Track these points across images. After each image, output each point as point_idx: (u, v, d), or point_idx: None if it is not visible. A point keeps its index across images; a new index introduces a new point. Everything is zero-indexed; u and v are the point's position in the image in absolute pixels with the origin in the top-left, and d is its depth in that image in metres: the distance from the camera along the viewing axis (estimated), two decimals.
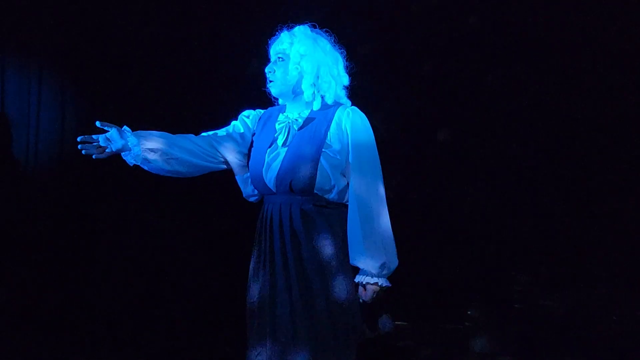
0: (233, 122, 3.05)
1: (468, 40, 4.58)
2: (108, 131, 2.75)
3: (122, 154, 2.82)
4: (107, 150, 2.76)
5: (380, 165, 2.86)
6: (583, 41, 4.45)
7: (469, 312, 4.50)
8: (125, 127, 2.80)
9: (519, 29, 4.52)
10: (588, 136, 4.47)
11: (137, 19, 4.51)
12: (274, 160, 2.87)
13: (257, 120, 3.03)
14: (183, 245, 4.59)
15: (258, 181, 2.90)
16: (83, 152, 2.76)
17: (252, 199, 3.02)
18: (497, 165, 4.58)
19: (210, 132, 2.97)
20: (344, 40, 3.00)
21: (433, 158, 4.63)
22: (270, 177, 2.85)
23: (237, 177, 3.01)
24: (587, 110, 4.45)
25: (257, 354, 2.82)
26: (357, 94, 3.01)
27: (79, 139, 2.74)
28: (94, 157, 2.76)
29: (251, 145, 2.97)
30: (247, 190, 3.00)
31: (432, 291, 4.56)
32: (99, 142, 2.75)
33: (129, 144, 2.77)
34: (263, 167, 2.88)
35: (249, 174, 2.97)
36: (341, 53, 2.98)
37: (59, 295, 4.37)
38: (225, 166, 2.99)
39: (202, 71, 4.55)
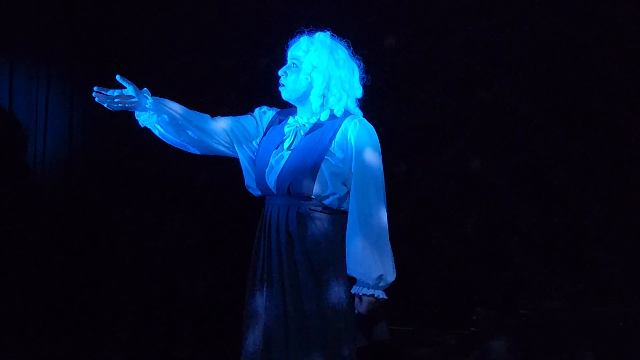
0: (249, 114, 3.07)
1: (471, 50, 4.58)
2: (126, 87, 2.78)
3: (136, 113, 2.87)
4: (119, 104, 2.78)
5: (383, 178, 2.86)
6: (582, 44, 4.46)
7: (474, 318, 4.50)
8: (145, 88, 2.84)
9: (529, 38, 4.53)
10: (602, 139, 4.47)
11: (147, 21, 4.51)
12: (277, 163, 2.89)
13: (271, 118, 3.05)
14: (188, 247, 4.61)
15: (260, 181, 2.92)
16: (96, 99, 2.77)
17: (251, 191, 3.03)
18: (503, 168, 4.58)
19: (226, 117, 3.00)
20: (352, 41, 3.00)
21: (437, 161, 4.63)
22: (271, 179, 2.88)
23: (242, 166, 3.03)
24: (588, 112, 4.46)
25: (252, 354, 2.85)
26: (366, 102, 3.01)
27: (95, 88, 2.74)
28: (105, 105, 2.78)
29: (261, 142, 2.99)
30: (250, 181, 3.01)
31: (436, 296, 4.56)
32: (113, 95, 2.77)
33: (145, 105, 2.81)
34: (267, 167, 2.90)
35: (253, 167, 2.99)
36: (358, 65, 2.97)
37: (63, 298, 4.39)
38: (232, 153, 3.02)
39: (212, 72, 4.54)
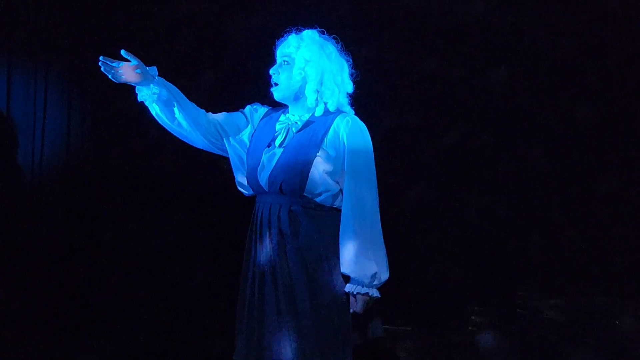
0: (240, 110, 3.08)
1: (471, 41, 4.57)
2: (130, 61, 2.82)
3: (137, 87, 2.90)
4: (122, 76, 2.82)
5: (375, 177, 2.86)
6: (587, 42, 4.45)
7: (473, 318, 4.49)
8: (153, 67, 2.89)
9: (522, 28, 4.52)
10: (592, 141, 4.46)
11: (146, 21, 4.52)
12: (269, 160, 2.89)
13: (262, 115, 3.06)
14: (187, 246, 4.61)
15: (252, 179, 2.92)
16: (102, 68, 2.81)
17: (241, 189, 3.03)
18: (502, 170, 4.57)
19: (218, 115, 3.02)
20: (347, 41, 3.01)
21: (437, 161, 4.62)
22: (263, 176, 2.88)
23: (232, 163, 3.03)
24: (591, 114, 4.44)
25: (246, 352, 2.85)
26: (358, 98, 3.02)
27: (101, 57, 2.79)
28: (109, 76, 2.82)
29: (251, 139, 3.00)
30: (240, 178, 3.01)
31: (435, 296, 4.55)
32: (118, 67, 2.81)
33: (149, 82, 2.86)
34: (258, 165, 2.90)
35: (244, 163, 3.00)
36: (347, 61, 2.98)
37: (61, 298, 4.40)
38: (219, 149, 3.04)
39: (208, 71, 4.55)
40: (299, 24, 2.95)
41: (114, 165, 4.54)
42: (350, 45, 2.98)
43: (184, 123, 2.93)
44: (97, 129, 4.57)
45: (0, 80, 4.33)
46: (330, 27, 3.01)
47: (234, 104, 3.15)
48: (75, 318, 4.44)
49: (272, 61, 2.99)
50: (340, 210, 2.85)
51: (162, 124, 2.98)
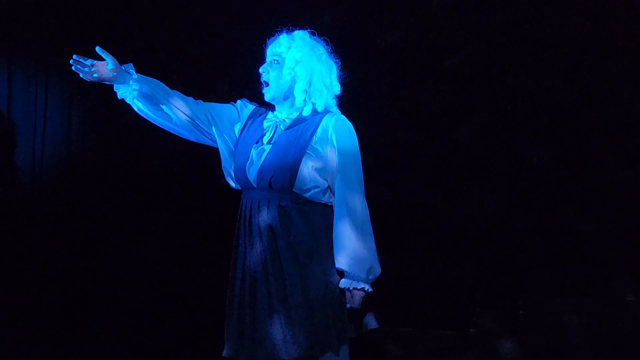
0: (231, 103, 3.11)
1: (469, 40, 4.56)
2: (104, 59, 2.83)
3: (115, 85, 2.90)
4: (95, 74, 2.82)
5: (362, 174, 2.91)
6: (592, 40, 4.42)
7: (474, 318, 4.48)
8: (130, 64, 2.88)
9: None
10: (602, 138, 4.43)
11: (144, 22, 4.53)
12: (258, 156, 2.91)
13: (251, 112, 3.09)
14: (186, 246, 4.62)
15: (240, 175, 2.94)
16: (73, 68, 2.83)
17: (229, 180, 3.04)
18: (505, 167, 4.55)
19: (209, 103, 3.03)
20: (335, 36, 3.02)
21: (437, 158, 4.61)
22: (252, 172, 2.91)
23: (220, 153, 3.04)
24: (600, 111, 4.42)
25: (237, 348, 2.86)
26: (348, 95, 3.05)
27: (74, 56, 2.80)
28: (80, 75, 2.85)
29: (240, 136, 3.02)
30: (228, 167, 3.02)
31: (435, 296, 4.54)
32: (90, 66, 2.82)
33: (127, 78, 2.86)
34: (247, 161, 2.92)
35: (232, 153, 3.01)
36: (336, 63, 3.02)
37: (61, 298, 4.41)
38: (209, 139, 3.04)
39: (206, 72, 4.56)
40: (289, 25, 2.97)
41: (114, 165, 4.55)
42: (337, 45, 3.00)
43: (171, 115, 2.95)
44: (98, 129, 4.58)
45: (1, 81, 4.35)
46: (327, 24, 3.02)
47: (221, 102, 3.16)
48: (75, 318, 4.46)
49: (260, 59, 3.02)
50: (329, 206, 2.91)
51: (147, 119, 2.98)
